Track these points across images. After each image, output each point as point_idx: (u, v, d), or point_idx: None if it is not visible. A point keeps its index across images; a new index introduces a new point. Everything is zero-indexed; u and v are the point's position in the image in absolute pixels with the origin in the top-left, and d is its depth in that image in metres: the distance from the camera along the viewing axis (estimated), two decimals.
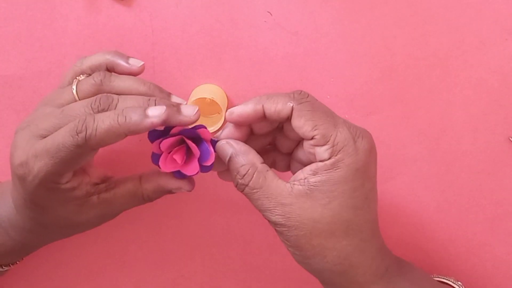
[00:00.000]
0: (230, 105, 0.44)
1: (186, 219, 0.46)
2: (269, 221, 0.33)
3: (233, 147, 0.33)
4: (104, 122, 0.31)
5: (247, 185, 0.32)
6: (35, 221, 0.36)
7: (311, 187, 0.31)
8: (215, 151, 0.34)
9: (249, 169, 0.32)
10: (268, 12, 0.43)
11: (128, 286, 0.47)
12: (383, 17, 0.43)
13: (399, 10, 0.43)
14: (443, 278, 0.42)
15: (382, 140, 0.44)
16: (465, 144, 0.44)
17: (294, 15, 0.43)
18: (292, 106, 0.32)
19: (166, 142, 0.33)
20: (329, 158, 0.31)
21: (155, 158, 0.34)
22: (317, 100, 0.34)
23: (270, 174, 0.33)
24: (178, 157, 0.34)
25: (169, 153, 0.34)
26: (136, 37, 0.43)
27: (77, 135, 0.31)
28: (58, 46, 0.43)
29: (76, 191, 0.34)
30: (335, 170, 0.31)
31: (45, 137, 0.33)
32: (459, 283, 0.41)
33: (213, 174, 0.45)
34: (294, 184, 0.32)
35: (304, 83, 0.44)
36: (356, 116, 0.44)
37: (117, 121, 0.31)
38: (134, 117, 0.31)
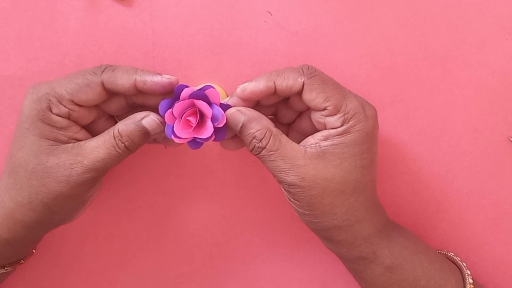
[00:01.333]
0: None
1: (186, 218, 0.46)
2: (283, 182, 0.35)
3: (245, 114, 0.35)
4: (122, 67, 0.35)
5: (264, 148, 0.34)
6: (10, 174, 0.35)
7: (323, 149, 0.34)
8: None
9: (266, 133, 0.34)
10: (268, 12, 0.43)
11: (128, 285, 0.46)
12: (383, 17, 0.43)
13: (399, 10, 0.43)
14: (440, 251, 0.43)
15: (382, 140, 0.44)
16: (465, 144, 0.44)
17: (294, 15, 0.43)
18: (303, 81, 0.34)
19: (178, 107, 0.34)
20: (341, 126, 0.34)
21: (169, 129, 0.35)
22: (324, 73, 0.36)
23: (284, 137, 0.35)
24: (191, 118, 0.35)
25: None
26: (136, 37, 0.43)
27: (99, 67, 0.35)
28: (58, 46, 0.43)
29: (60, 132, 0.34)
30: (347, 135, 0.34)
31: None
32: (458, 258, 0.41)
33: (213, 174, 0.45)
34: (306, 147, 0.34)
35: None
36: None
37: (135, 70, 0.35)
38: (147, 73, 0.35)
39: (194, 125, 0.34)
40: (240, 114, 0.35)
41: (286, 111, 0.39)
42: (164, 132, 0.36)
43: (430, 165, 0.45)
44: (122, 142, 0.35)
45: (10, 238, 0.36)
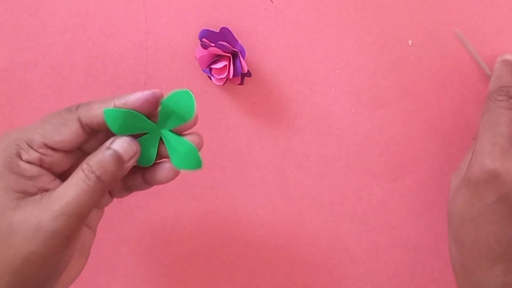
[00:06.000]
0: None
1: (181, 220, 0.46)
2: None
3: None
4: (97, 99, 0.33)
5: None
6: None
7: None
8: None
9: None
10: None
11: None
12: (392, 4, 0.42)
13: None
14: None
15: (391, 136, 0.44)
16: None
17: (297, 2, 0.42)
18: None
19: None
20: None
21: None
22: None
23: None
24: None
25: None
26: (128, 26, 0.43)
27: (73, 105, 0.33)
28: (45, 36, 0.43)
29: (29, 183, 0.31)
30: None
31: None
32: None
33: (209, 172, 0.44)
34: None
35: (307, 75, 0.43)
36: (363, 111, 0.43)
37: (112, 97, 0.32)
38: (125, 95, 0.32)
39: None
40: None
41: None
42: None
43: (442, 164, 0.44)
44: (93, 172, 0.31)
45: None
